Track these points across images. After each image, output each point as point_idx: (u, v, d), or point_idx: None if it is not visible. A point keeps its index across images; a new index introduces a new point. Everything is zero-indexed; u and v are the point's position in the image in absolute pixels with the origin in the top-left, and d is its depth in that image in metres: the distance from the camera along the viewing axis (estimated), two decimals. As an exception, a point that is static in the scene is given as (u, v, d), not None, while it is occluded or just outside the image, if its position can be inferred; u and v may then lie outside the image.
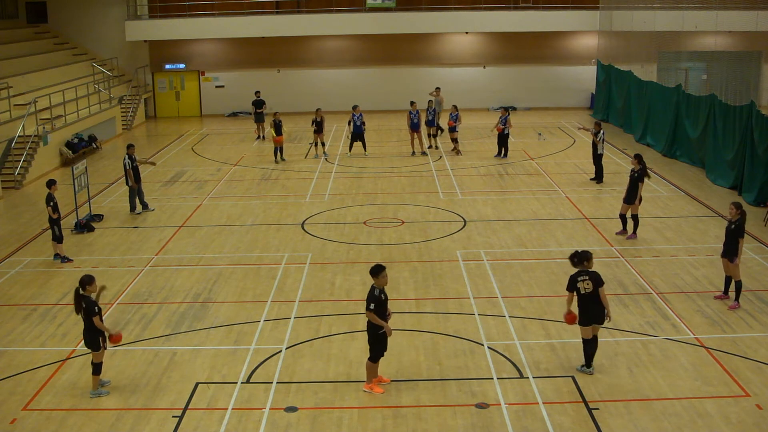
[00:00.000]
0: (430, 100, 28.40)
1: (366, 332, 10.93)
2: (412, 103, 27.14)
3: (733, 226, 13.53)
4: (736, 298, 13.71)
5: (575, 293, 11.09)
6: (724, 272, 13.94)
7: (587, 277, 11.02)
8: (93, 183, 21.98)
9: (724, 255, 13.69)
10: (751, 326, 12.97)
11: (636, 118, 30.01)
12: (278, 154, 26.48)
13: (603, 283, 11.09)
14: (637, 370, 11.49)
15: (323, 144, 27.20)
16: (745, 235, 13.91)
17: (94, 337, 10.86)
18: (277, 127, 25.99)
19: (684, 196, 21.33)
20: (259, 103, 30.82)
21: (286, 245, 17.66)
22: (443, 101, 30.91)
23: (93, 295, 10.95)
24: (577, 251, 11.29)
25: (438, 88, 31.05)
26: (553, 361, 11.77)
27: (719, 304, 13.85)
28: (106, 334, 10.93)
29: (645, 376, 11.31)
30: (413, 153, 27.28)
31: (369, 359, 11.02)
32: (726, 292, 14.01)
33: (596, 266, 15.76)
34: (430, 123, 27.81)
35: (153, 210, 20.66)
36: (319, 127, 26.70)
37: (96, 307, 10.82)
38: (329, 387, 11.17)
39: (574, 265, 11.19)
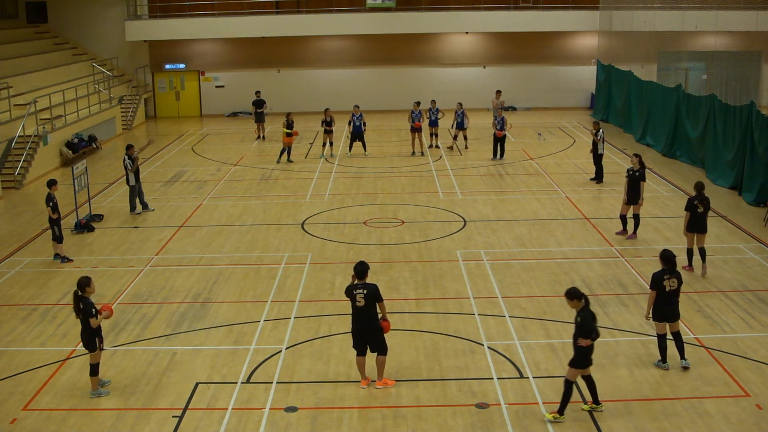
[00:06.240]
0: (432, 100, 28.32)
1: (373, 328, 10.93)
2: (417, 103, 27.11)
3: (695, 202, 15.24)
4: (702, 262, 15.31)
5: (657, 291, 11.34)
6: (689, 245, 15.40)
7: (673, 276, 11.29)
8: (93, 183, 21.99)
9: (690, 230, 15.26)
10: (751, 326, 12.98)
11: (636, 118, 30.02)
12: (287, 154, 26.44)
13: (682, 282, 11.50)
14: (637, 370, 11.49)
15: (331, 144, 27.17)
16: (711, 216, 15.70)
17: (91, 338, 10.86)
18: (290, 127, 25.97)
19: (684, 196, 21.27)
20: (259, 103, 30.81)
21: (286, 245, 17.66)
22: (503, 104, 30.46)
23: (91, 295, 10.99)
24: (668, 251, 11.49)
25: (499, 91, 30.54)
26: (553, 361, 11.77)
27: (720, 304, 13.88)
28: (101, 314, 10.87)
29: (645, 376, 11.31)
30: (413, 153, 27.28)
31: (382, 354, 11.04)
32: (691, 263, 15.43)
33: (595, 266, 15.90)
34: (432, 123, 27.83)
35: (153, 210, 20.65)
36: (329, 127, 26.69)
37: (93, 309, 10.83)
38: (329, 387, 11.17)
39: (664, 263, 11.39)
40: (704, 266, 15.27)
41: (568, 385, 10.12)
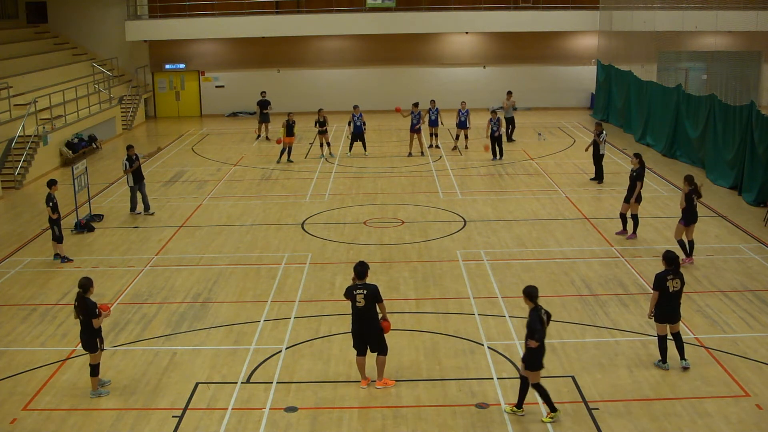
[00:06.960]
0: (432, 100, 28.32)
1: (373, 328, 10.93)
2: (416, 104, 27.12)
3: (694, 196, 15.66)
4: (689, 255, 15.80)
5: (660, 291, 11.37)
6: (687, 237, 15.78)
7: (677, 277, 11.33)
8: (93, 183, 21.99)
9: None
10: (751, 326, 12.98)
11: (636, 118, 30.01)
12: (287, 154, 26.44)
13: (685, 283, 11.56)
14: (637, 370, 11.49)
15: (328, 144, 27.18)
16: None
17: (91, 339, 10.86)
18: (289, 128, 25.99)
19: (684, 196, 21.31)
20: (264, 104, 30.74)
21: (286, 245, 17.66)
22: (514, 104, 30.38)
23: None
24: (671, 252, 11.52)
25: (510, 92, 30.40)
26: (553, 361, 11.75)
27: (720, 304, 13.88)
28: (102, 315, 10.89)
29: (645, 376, 11.31)
30: (409, 154, 27.22)
31: (382, 354, 11.04)
32: (688, 254, 15.78)
33: (596, 266, 15.91)
34: (432, 123, 27.87)
35: (152, 214, 20.46)
36: (322, 128, 26.70)
37: (96, 309, 10.84)
38: (329, 387, 11.18)
39: (667, 264, 11.40)
40: (690, 257, 15.93)
41: (537, 387, 10.15)
